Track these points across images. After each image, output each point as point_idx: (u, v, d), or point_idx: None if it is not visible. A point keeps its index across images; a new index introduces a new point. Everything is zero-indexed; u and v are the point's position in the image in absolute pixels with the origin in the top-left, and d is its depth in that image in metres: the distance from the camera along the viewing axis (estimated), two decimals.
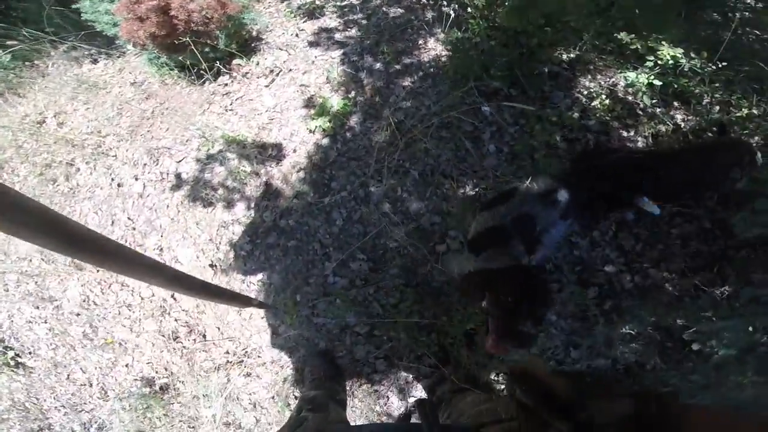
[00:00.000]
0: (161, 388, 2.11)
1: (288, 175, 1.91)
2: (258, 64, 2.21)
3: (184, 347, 2.02)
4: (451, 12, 2.32)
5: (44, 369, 2.19)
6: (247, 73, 2.09)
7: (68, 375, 2.16)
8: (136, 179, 1.95)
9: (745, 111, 2.08)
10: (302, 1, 2.68)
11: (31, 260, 2.02)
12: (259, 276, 1.92)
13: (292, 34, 2.50)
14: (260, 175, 1.92)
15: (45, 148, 2.00)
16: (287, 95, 2.01)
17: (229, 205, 1.91)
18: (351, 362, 1.90)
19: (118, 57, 2.07)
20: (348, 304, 1.84)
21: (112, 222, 1.96)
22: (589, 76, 2.24)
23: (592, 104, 2.13)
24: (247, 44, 2.30)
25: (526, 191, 1.38)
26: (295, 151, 1.94)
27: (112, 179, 1.98)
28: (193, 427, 2.12)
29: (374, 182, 1.90)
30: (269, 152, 1.93)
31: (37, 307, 2.07)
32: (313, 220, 1.88)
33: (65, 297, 2.04)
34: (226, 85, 2.07)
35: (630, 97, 2.13)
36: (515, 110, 2.14)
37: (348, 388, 1.89)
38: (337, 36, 2.49)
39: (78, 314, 2.05)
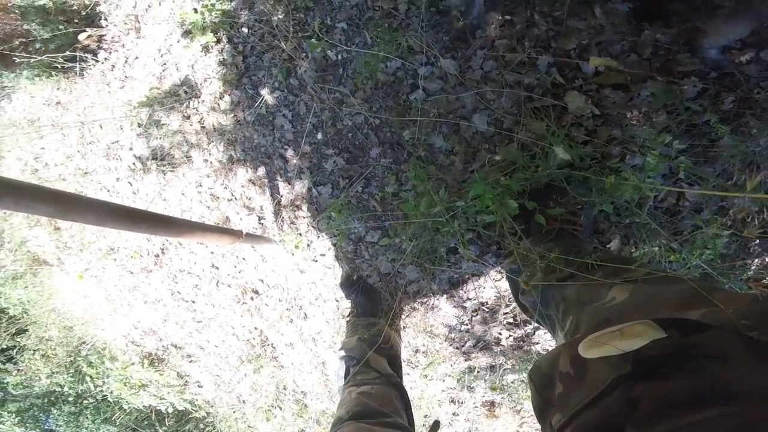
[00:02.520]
0: (261, 345, 2.28)
1: (214, 106, 1.59)
2: (115, 24, 1.86)
3: (248, 307, 2.10)
4: None
5: (201, 356, 2.64)
6: (113, 38, 1.79)
7: (210, 352, 2.56)
8: (119, 180, 1.93)
9: None
10: None
11: (121, 278, 2.42)
12: (252, 218, 1.70)
13: None
14: (191, 119, 1.66)
15: (57, 186, 2.22)
16: (162, 33, 1.67)
17: (188, 160, 1.72)
18: (381, 279, 1.57)
19: (18, 88, 2.07)
20: (344, 213, 1.53)
21: None
22: None
23: None
24: (87, 15, 1.90)
25: None
26: (206, 79, 1.60)
27: (108, 191, 2.00)
28: (301, 372, 2.24)
29: (299, 62, 1.40)
30: (183, 95, 1.65)
31: (156, 310, 2.48)
32: (262, 138, 1.52)
33: (161, 295, 2.37)
34: (107, 59, 1.84)
35: None
36: None
37: (392, 309, 1.60)
38: None
39: (177, 305, 2.37)
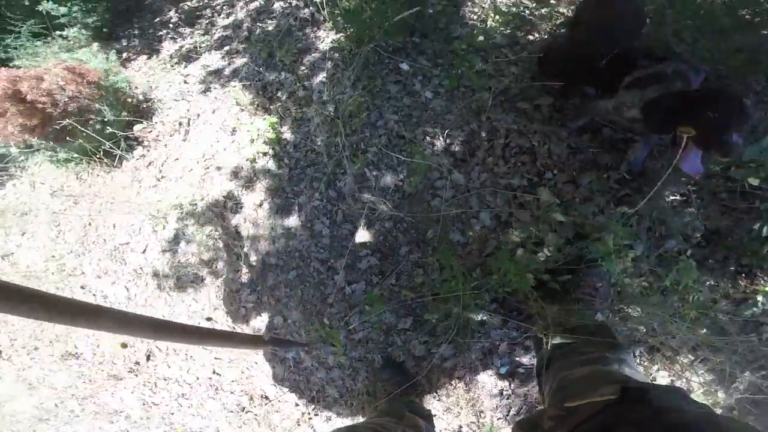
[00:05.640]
0: None
1: (254, 215, 1.45)
2: (163, 123, 1.74)
3: (255, 415, 1.70)
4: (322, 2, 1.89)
5: None
6: (157, 136, 1.63)
7: None
8: (114, 284, 1.55)
9: None
10: (170, 51, 2.20)
11: (76, 386, 1.77)
12: (278, 320, 1.47)
13: (180, 83, 2.01)
14: (228, 229, 1.48)
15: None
16: (209, 140, 1.57)
17: (214, 271, 1.48)
18: (416, 363, 1.41)
19: (22, 173, 1.71)
20: (377, 306, 1.44)
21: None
22: (469, 3, 1.88)
23: (488, 25, 1.78)
24: (139, 108, 1.83)
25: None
26: (247, 187, 1.48)
27: (94, 295, 1.57)
28: None
29: (339, 176, 1.42)
30: (223, 203, 1.49)
31: (112, 422, 1.80)
32: (300, 243, 1.41)
33: (126, 406, 1.76)
34: (144, 156, 1.62)
35: (513, 8, 1.81)
36: (429, 54, 1.73)
37: (428, 391, 1.42)
38: (227, 66, 2.01)
39: (148, 418, 1.78)
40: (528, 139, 1.41)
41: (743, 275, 1.31)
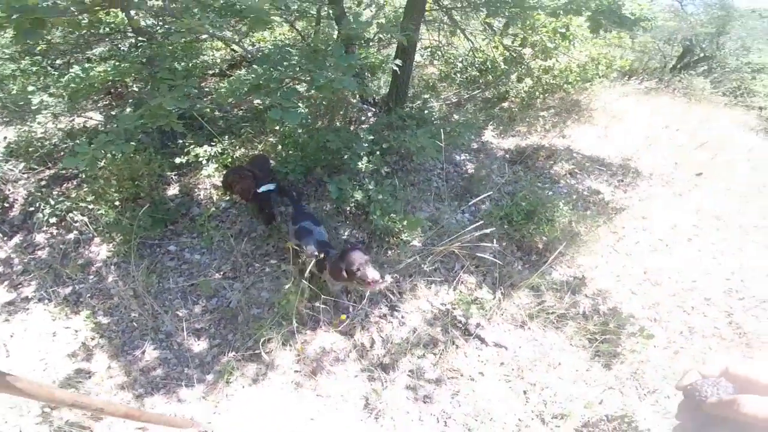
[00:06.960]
0: None
1: (107, 373, 1.94)
2: None
3: None
4: (86, 223, 2.60)
5: None
6: None
7: None
8: None
9: None
10: None
11: None
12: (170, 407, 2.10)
13: None
14: (89, 388, 1.96)
15: None
16: (34, 349, 1.98)
17: (94, 417, 1.82)
18: None
19: None
20: (229, 370, 2.28)
21: None
22: (196, 190, 3.11)
23: (215, 199, 3.03)
24: None
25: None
26: (88, 359, 1.98)
27: None
28: None
29: (161, 325, 2.16)
30: (74, 377, 1.93)
31: None
32: (156, 371, 2.00)
33: None
34: None
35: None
36: (184, 233, 2.78)
37: None
38: (16, 297, 2.36)
39: None
40: (263, 248, 2.72)
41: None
